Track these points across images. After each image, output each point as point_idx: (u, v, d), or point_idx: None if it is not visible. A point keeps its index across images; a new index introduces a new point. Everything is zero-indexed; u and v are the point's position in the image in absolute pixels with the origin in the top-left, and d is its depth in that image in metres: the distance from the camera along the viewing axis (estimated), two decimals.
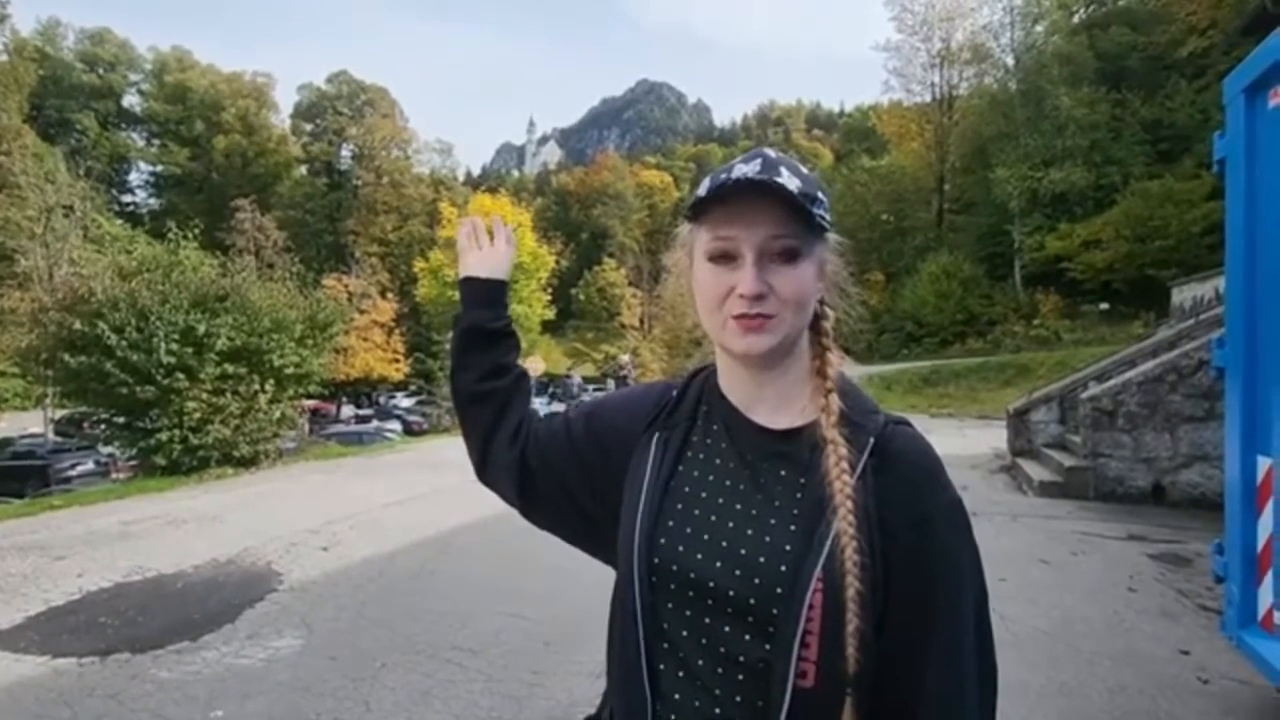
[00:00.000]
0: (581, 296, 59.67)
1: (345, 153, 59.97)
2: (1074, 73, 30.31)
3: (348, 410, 33.70)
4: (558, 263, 34.69)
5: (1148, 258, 25.25)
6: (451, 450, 13.39)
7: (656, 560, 0.76)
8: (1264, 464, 2.65)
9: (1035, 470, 7.77)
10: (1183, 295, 15.46)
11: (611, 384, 18.24)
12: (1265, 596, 2.65)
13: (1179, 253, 23.99)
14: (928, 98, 39.04)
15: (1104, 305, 26.60)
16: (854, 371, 0.82)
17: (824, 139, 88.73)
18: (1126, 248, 25.99)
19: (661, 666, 0.75)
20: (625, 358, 15.50)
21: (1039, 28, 32.81)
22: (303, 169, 59.84)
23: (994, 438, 10.55)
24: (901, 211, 40.04)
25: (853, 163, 46.04)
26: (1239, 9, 21.33)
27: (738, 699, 0.71)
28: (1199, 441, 6.40)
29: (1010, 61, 33.66)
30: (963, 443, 10.51)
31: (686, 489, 0.79)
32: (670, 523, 0.78)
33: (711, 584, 0.73)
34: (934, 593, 0.72)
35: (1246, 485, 2.73)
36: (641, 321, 56.63)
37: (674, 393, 0.88)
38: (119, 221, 45.45)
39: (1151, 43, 29.88)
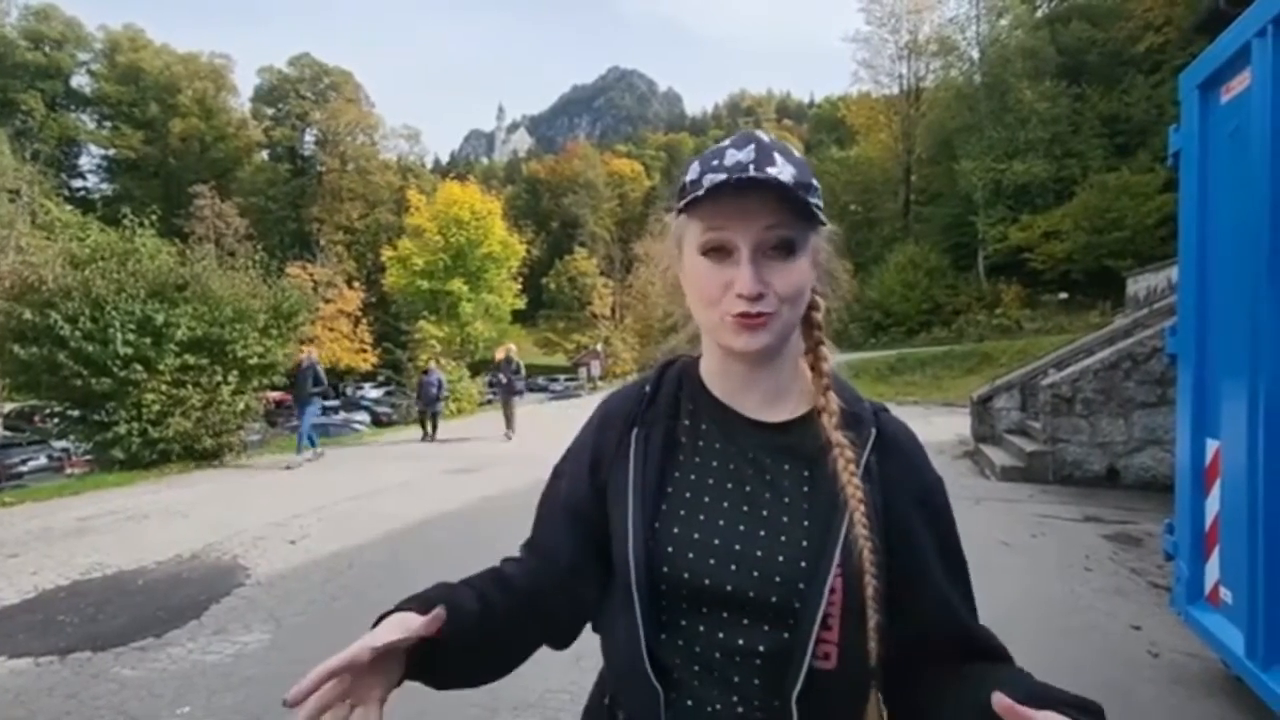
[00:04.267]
0: (552, 286, 59.22)
1: (308, 138, 58.50)
2: (1036, 67, 30.93)
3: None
4: (528, 252, 34.41)
5: (1105, 249, 26.02)
6: (424, 444, 13.25)
7: (665, 570, 0.74)
8: (1212, 446, 2.75)
9: (997, 455, 7.98)
10: (1137, 285, 15.94)
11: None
12: (1212, 573, 2.77)
13: (1134, 244, 24.77)
14: (895, 89, 39.60)
15: (1063, 295, 27.36)
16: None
17: (794, 129, 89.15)
18: (1085, 239, 26.74)
19: (677, 660, 0.74)
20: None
21: (1003, 21, 33.39)
22: (264, 154, 58.27)
23: (958, 424, 10.81)
24: (869, 202, 40.61)
25: (822, 153, 46.38)
26: (1193, 6, 21.94)
27: (756, 682, 0.71)
28: (1151, 426, 6.65)
29: (975, 55, 34.19)
30: (928, 429, 10.72)
31: (687, 494, 0.76)
32: (675, 530, 0.75)
33: (729, 588, 0.72)
34: (929, 564, 0.76)
35: (1196, 467, 2.84)
36: (613, 311, 56.50)
37: (647, 388, 0.84)
38: (69, 207, 43.71)
39: (1110, 38, 30.63)
